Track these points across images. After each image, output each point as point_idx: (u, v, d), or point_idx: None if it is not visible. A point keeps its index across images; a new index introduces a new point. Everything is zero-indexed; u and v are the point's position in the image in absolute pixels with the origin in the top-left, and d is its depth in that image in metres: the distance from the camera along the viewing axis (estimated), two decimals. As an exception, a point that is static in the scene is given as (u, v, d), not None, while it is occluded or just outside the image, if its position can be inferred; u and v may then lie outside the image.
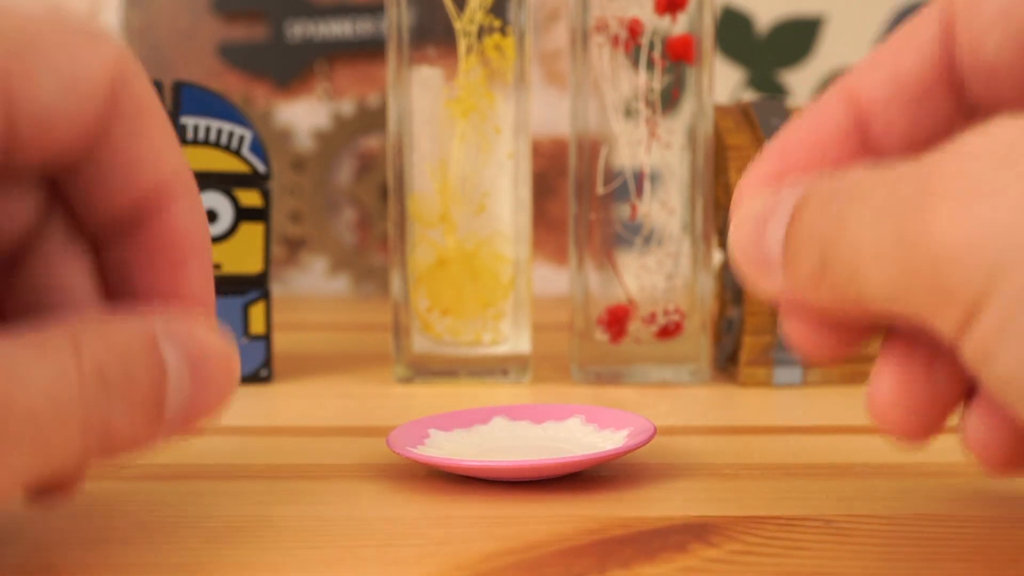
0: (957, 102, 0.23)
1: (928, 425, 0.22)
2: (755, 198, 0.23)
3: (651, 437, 0.28)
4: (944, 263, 0.16)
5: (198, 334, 0.22)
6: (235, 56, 0.74)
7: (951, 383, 0.22)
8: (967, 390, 0.22)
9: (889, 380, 0.22)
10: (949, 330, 0.17)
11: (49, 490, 0.22)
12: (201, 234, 0.23)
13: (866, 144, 0.23)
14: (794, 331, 0.23)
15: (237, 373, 0.23)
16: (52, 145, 0.20)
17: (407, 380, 0.42)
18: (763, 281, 0.22)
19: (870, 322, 0.20)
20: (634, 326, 0.41)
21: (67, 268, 0.23)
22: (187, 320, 0.22)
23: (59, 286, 0.23)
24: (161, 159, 0.22)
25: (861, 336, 0.23)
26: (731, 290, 0.44)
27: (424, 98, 0.41)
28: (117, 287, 0.23)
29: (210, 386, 0.22)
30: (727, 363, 0.44)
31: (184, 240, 0.23)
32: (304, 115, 0.75)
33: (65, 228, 0.23)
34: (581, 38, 0.40)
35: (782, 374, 0.41)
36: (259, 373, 0.42)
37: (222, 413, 0.22)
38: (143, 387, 0.21)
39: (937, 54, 0.22)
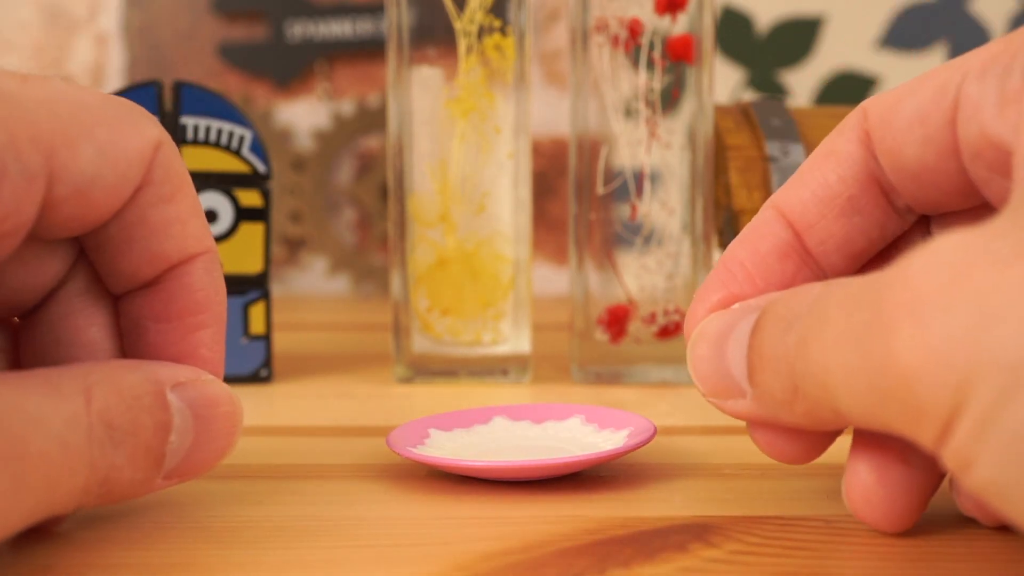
0: (888, 207, 0.24)
1: (909, 511, 0.22)
2: (708, 319, 0.23)
3: (651, 437, 0.28)
4: (912, 383, 0.17)
5: (205, 386, 0.23)
6: (235, 56, 0.74)
7: (927, 468, 0.22)
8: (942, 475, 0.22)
9: (866, 471, 0.22)
10: (928, 442, 0.18)
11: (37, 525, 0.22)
12: (217, 299, 0.24)
13: (805, 257, 0.24)
14: (763, 442, 0.23)
15: (240, 424, 0.24)
16: (88, 213, 0.21)
17: (407, 380, 0.42)
18: (729, 402, 0.22)
19: (842, 428, 0.21)
20: (634, 326, 0.41)
21: (86, 321, 0.24)
22: (195, 372, 0.23)
23: (77, 339, 0.24)
24: (188, 231, 0.23)
25: (831, 439, 0.23)
26: (731, 290, 0.44)
27: (424, 98, 0.41)
28: (132, 344, 0.24)
29: (213, 437, 0.23)
30: (727, 363, 0.44)
31: (200, 303, 0.24)
32: (304, 115, 0.75)
33: (87, 283, 0.24)
34: (581, 38, 0.40)
35: (782, 374, 0.41)
36: (259, 373, 0.42)
37: (222, 461, 0.23)
38: (147, 435, 0.21)
39: (859, 166, 0.23)
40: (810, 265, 0.24)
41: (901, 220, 0.24)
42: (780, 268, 0.24)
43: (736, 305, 0.23)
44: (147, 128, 0.22)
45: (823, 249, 0.24)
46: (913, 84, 0.22)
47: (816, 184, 0.24)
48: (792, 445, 0.23)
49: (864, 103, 0.23)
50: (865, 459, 0.22)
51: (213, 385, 0.23)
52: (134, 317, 0.24)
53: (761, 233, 0.24)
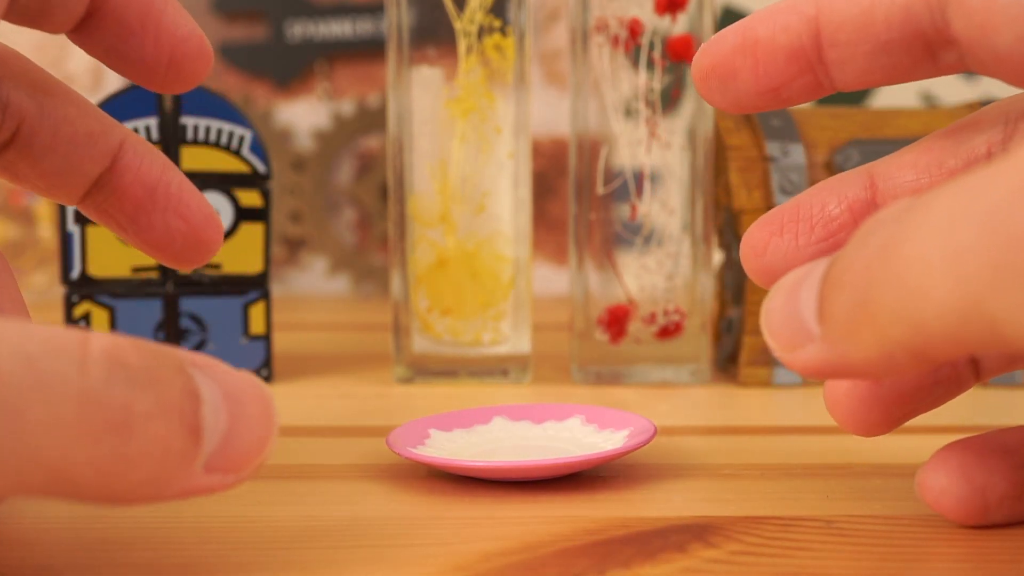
0: (928, 61, 0.22)
1: (887, 419, 0.22)
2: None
3: (651, 437, 0.28)
4: None
5: (230, 370, 0.20)
6: (235, 56, 0.74)
7: (895, 388, 0.22)
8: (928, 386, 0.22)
9: (842, 384, 0.22)
10: None
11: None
12: (162, 159, 0.26)
13: (815, 66, 0.23)
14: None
15: (275, 410, 0.20)
16: None
17: (407, 380, 0.42)
18: (798, 352, 0.20)
19: (914, 366, 0.19)
20: (634, 326, 0.41)
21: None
22: (213, 359, 0.20)
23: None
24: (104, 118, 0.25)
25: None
26: (731, 290, 0.44)
27: (424, 98, 0.41)
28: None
29: (250, 421, 0.19)
30: (727, 363, 0.44)
31: (156, 175, 0.25)
32: (304, 115, 0.75)
33: None
34: (581, 38, 0.40)
35: (782, 374, 0.41)
36: (259, 373, 0.42)
37: (264, 461, 0.20)
38: (174, 391, 0.18)
39: (914, 22, 0.22)
40: (811, 73, 0.23)
41: (935, 70, 0.22)
42: (784, 66, 0.23)
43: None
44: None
45: (837, 69, 0.23)
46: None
47: (862, 8, 0.22)
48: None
49: None
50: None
51: (234, 371, 0.20)
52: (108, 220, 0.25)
53: (784, 26, 0.23)
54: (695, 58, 0.24)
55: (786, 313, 0.20)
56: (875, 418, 0.23)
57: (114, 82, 0.75)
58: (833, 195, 0.24)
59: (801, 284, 0.20)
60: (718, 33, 0.23)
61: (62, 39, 0.76)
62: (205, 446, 0.19)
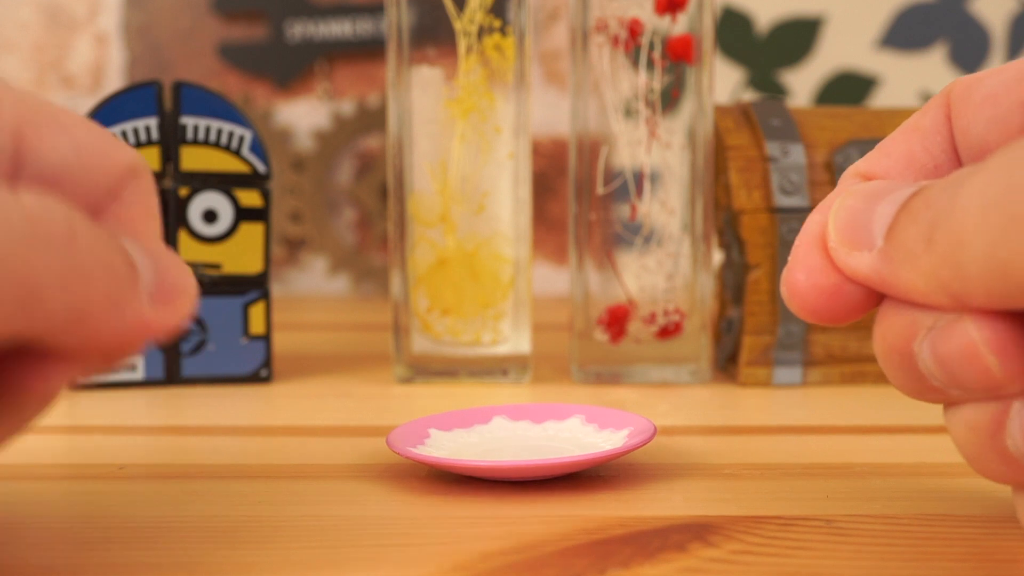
0: None
1: (846, 312, 0.22)
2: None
3: (651, 437, 0.28)
4: None
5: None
6: (235, 56, 0.74)
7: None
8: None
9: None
10: None
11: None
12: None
13: None
14: (797, 293, 0.22)
15: (194, 287, 0.22)
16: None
17: (407, 380, 0.42)
18: (853, 254, 0.21)
19: (950, 308, 0.20)
20: (634, 326, 0.41)
21: None
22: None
23: None
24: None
25: (871, 302, 0.22)
26: (731, 290, 0.44)
27: (424, 98, 0.41)
28: None
29: (169, 265, 0.21)
30: (727, 363, 0.44)
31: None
32: (304, 115, 0.75)
33: None
34: (581, 38, 0.40)
35: (782, 374, 0.41)
36: (259, 373, 0.42)
37: (192, 302, 0.21)
38: (103, 228, 0.20)
39: (944, 140, 0.23)
40: None
41: None
42: None
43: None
44: (127, 150, 0.22)
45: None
46: (1002, 67, 0.22)
47: (900, 154, 0.23)
48: (827, 300, 0.22)
49: (952, 82, 0.24)
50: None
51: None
52: None
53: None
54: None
55: (860, 216, 0.21)
56: (835, 310, 0.22)
57: (114, 82, 0.75)
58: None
59: (883, 197, 0.21)
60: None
61: (63, 38, 0.76)
62: (142, 274, 0.20)
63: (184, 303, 0.21)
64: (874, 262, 0.21)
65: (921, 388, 0.21)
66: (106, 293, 0.19)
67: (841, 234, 0.22)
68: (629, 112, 0.40)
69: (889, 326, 0.21)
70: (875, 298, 0.22)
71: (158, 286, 0.21)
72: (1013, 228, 0.18)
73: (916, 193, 0.20)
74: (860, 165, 0.24)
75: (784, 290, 0.23)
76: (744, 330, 0.41)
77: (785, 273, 0.23)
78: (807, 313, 0.23)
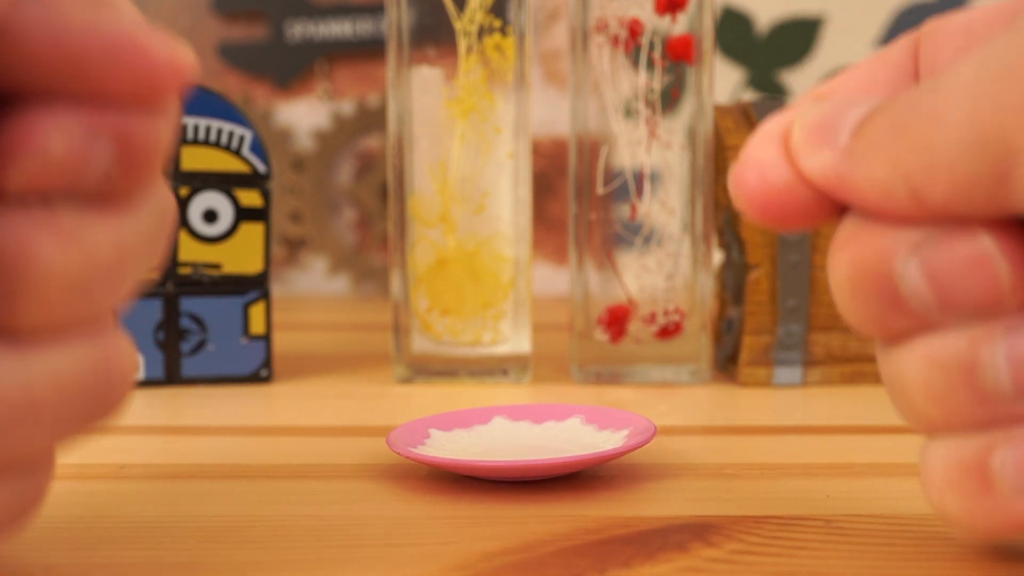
0: None
1: (797, 208, 0.21)
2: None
3: (651, 437, 0.28)
4: None
5: None
6: (235, 56, 0.74)
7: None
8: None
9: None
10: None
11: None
12: None
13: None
14: (746, 190, 0.21)
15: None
16: None
17: (407, 380, 0.42)
18: (817, 151, 0.20)
19: (906, 207, 0.19)
20: (634, 326, 0.41)
21: None
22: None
23: None
24: None
25: (835, 212, 0.21)
26: (731, 290, 0.44)
27: (424, 98, 0.41)
28: None
29: (165, 37, 0.18)
30: (727, 363, 0.44)
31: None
32: (304, 115, 0.75)
33: None
34: (581, 38, 0.40)
35: (782, 374, 0.41)
36: (259, 373, 0.42)
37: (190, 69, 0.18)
38: None
39: (908, 74, 0.23)
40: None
41: None
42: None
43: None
44: None
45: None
46: (978, 7, 0.22)
47: (862, 78, 0.23)
48: (779, 201, 0.21)
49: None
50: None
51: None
52: None
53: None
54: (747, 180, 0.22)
55: (828, 117, 0.21)
56: (785, 211, 0.21)
57: (114, 82, 0.75)
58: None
59: (856, 104, 0.21)
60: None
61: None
62: (119, 5, 0.17)
63: (179, 50, 0.18)
64: (834, 159, 0.20)
65: (889, 317, 0.20)
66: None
67: (805, 132, 0.21)
68: (629, 112, 0.40)
69: (862, 247, 0.20)
70: (826, 207, 0.21)
71: (142, 26, 0.17)
72: (1005, 79, 0.17)
73: (891, 97, 0.20)
74: (819, 87, 0.23)
75: (732, 186, 0.22)
76: (744, 330, 0.41)
77: (735, 169, 0.22)
78: (755, 210, 0.21)
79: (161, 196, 0.20)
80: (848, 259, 0.20)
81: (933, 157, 0.18)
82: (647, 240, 0.41)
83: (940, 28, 0.22)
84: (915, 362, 0.19)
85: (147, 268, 0.19)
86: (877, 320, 0.20)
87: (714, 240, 0.44)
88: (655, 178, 0.41)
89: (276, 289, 0.74)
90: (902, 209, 0.19)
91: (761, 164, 0.21)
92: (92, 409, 0.18)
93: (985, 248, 0.18)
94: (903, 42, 0.23)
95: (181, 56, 0.18)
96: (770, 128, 0.22)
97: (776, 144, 0.21)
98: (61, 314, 0.17)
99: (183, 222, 0.41)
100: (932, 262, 0.19)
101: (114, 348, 0.19)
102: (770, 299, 0.41)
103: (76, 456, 0.31)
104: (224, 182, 0.41)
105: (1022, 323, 0.19)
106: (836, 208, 0.21)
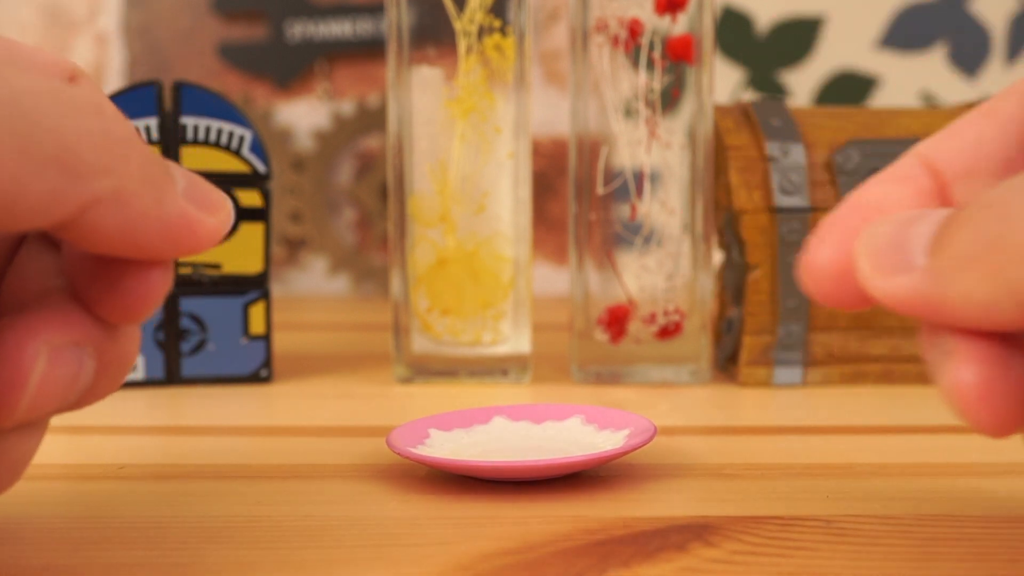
0: None
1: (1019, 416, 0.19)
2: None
3: (651, 437, 0.28)
4: None
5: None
6: (235, 56, 0.74)
7: None
8: None
9: (976, 369, 0.19)
10: None
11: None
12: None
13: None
14: (966, 399, 0.19)
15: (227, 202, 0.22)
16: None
17: (407, 380, 0.42)
18: (894, 276, 0.19)
19: (1014, 320, 0.18)
20: (634, 326, 0.41)
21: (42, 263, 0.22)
22: None
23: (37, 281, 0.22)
24: None
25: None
26: (731, 290, 0.44)
27: (424, 98, 0.41)
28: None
29: (203, 184, 0.21)
30: (727, 363, 0.44)
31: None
32: (304, 115, 0.75)
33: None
34: (581, 38, 0.40)
35: (782, 374, 0.41)
36: (259, 373, 0.42)
37: (229, 217, 0.21)
38: (129, 123, 0.20)
39: (1019, 126, 0.21)
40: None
41: None
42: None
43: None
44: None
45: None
46: None
47: (971, 138, 0.21)
48: (1006, 401, 0.19)
49: None
50: (974, 358, 0.19)
51: None
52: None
53: (900, 177, 0.22)
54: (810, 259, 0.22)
55: (893, 239, 0.20)
56: (1012, 413, 0.19)
57: (114, 82, 0.75)
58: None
59: (918, 219, 0.20)
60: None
61: (63, 38, 0.76)
62: (174, 175, 0.20)
63: (223, 212, 0.21)
64: (914, 282, 0.19)
65: None
66: (142, 170, 0.19)
67: (873, 262, 0.20)
68: (629, 112, 0.40)
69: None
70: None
71: (192, 190, 0.20)
72: None
73: (959, 209, 0.19)
74: (922, 147, 0.22)
75: (802, 274, 0.21)
76: (744, 330, 0.41)
77: (805, 256, 0.21)
78: (822, 297, 0.21)
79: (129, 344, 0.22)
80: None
81: None
82: (647, 240, 0.41)
83: None
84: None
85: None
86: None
87: (714, 240, 0.44)
88: (655, 178, 0.41)
89: (276, 289, 0.74)
90: (1011, 322, 0.18)
91: (826, 276, 0.21)
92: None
93: None
94: (1017, 94, 0.22)
95: (222, 219, 0.21)
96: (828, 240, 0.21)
97: (836, 260, 0.21)
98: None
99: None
100: None
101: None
102: (770, 299, 0.41)
103: (76, 456, 0.31)
104: (224, 182, 0.41)
105: None
106: None
